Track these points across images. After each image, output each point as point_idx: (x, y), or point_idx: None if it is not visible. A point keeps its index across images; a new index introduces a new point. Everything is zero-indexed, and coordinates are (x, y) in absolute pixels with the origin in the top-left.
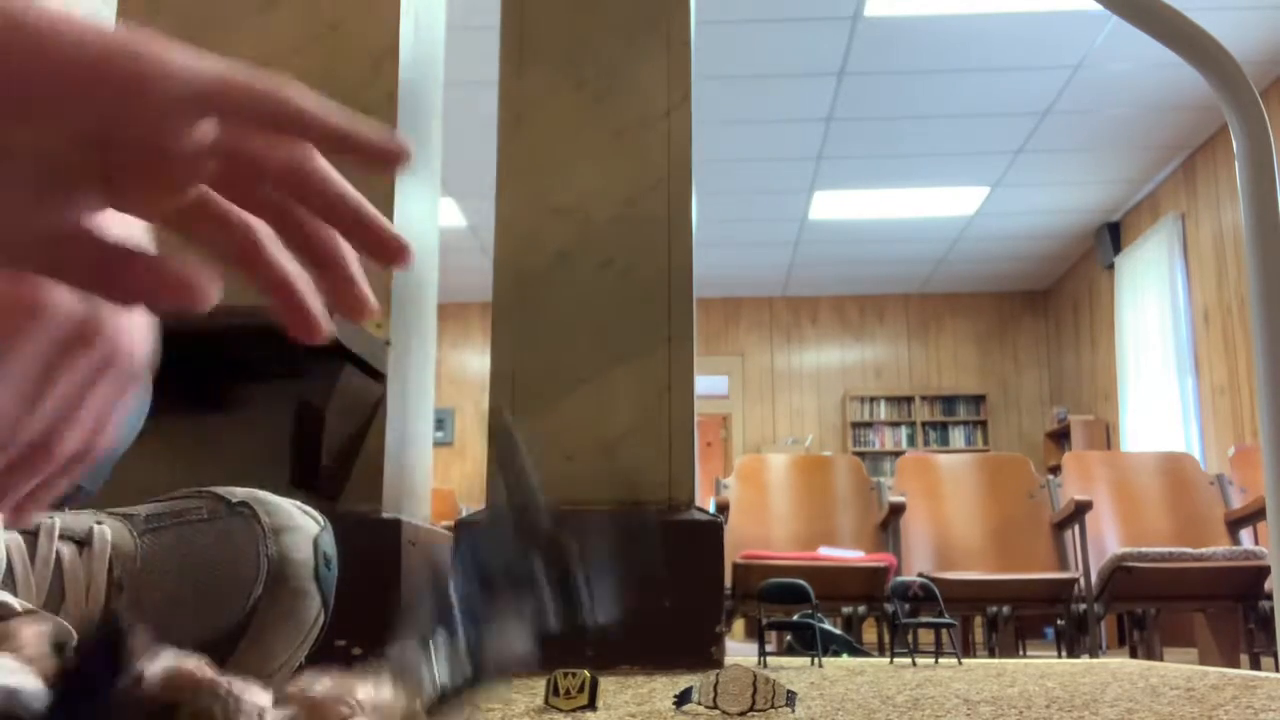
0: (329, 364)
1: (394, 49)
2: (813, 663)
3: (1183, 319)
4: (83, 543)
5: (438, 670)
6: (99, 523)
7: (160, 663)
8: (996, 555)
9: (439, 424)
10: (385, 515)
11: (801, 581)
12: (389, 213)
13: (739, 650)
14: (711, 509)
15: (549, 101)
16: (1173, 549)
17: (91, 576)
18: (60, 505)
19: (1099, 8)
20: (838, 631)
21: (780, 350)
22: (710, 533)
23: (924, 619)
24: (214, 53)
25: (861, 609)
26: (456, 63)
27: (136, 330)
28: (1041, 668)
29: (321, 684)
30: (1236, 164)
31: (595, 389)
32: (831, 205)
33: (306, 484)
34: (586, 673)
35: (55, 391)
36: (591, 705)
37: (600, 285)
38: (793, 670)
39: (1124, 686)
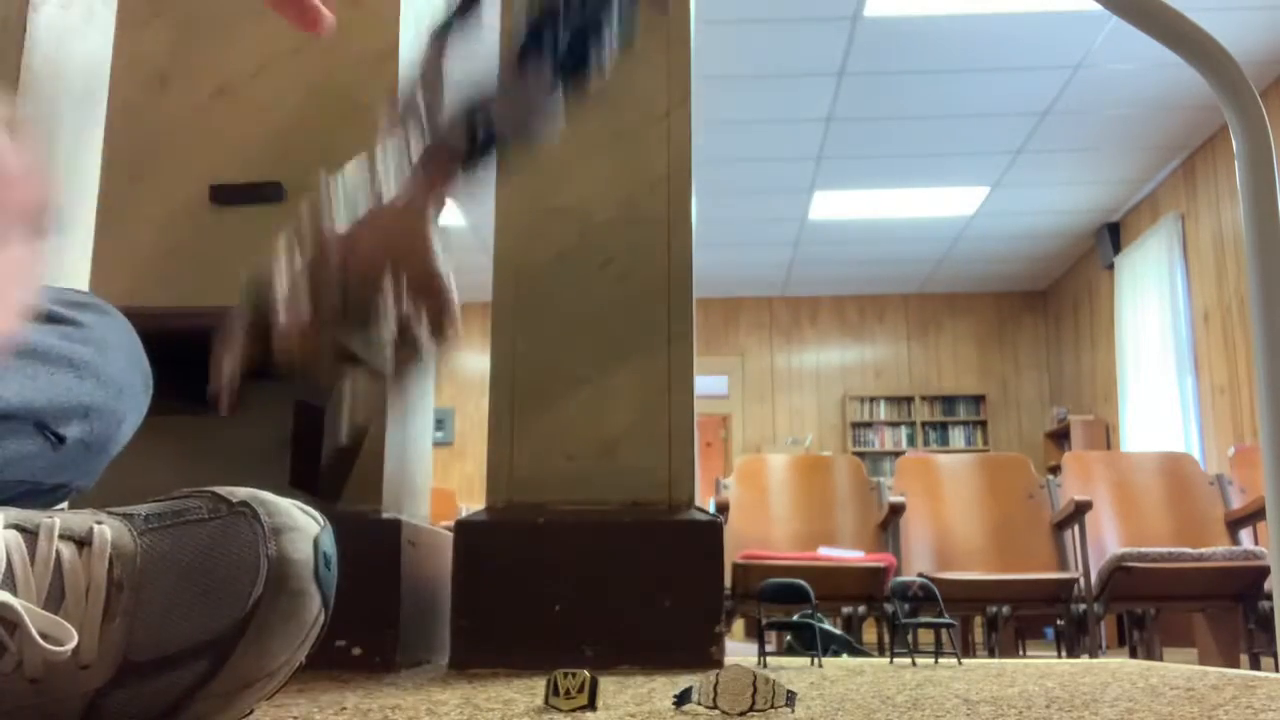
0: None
1: (394, 49)
2: (813, 663)
3: (1183, 319)
4: (83, 542)
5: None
6: (99, 522)
7: None
8: (996, 555)
9: (439, 424)
10: (385, 515)
11: (801, 581)
12: None
13: (739, 650)
14: (711, 509)
15: None
16: (1172, 549)
17: (91, 576)
18: (59, 500)
19: (1099, 8)
20: (838, 631)
21: (780, 350)
22: (710, 533)
23: (924, 619)
24: (214, 52)
25: (861, 609)
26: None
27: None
28: (1041, 668)
29: None
30: (1236, 164)
31: (595, 389)
32: (831, 205)
33: (306, 484)
34: (586, 673)
35: None
36: (591, 705)
37: (600, 285)
38: (793, 670)
39: (1124, 686)
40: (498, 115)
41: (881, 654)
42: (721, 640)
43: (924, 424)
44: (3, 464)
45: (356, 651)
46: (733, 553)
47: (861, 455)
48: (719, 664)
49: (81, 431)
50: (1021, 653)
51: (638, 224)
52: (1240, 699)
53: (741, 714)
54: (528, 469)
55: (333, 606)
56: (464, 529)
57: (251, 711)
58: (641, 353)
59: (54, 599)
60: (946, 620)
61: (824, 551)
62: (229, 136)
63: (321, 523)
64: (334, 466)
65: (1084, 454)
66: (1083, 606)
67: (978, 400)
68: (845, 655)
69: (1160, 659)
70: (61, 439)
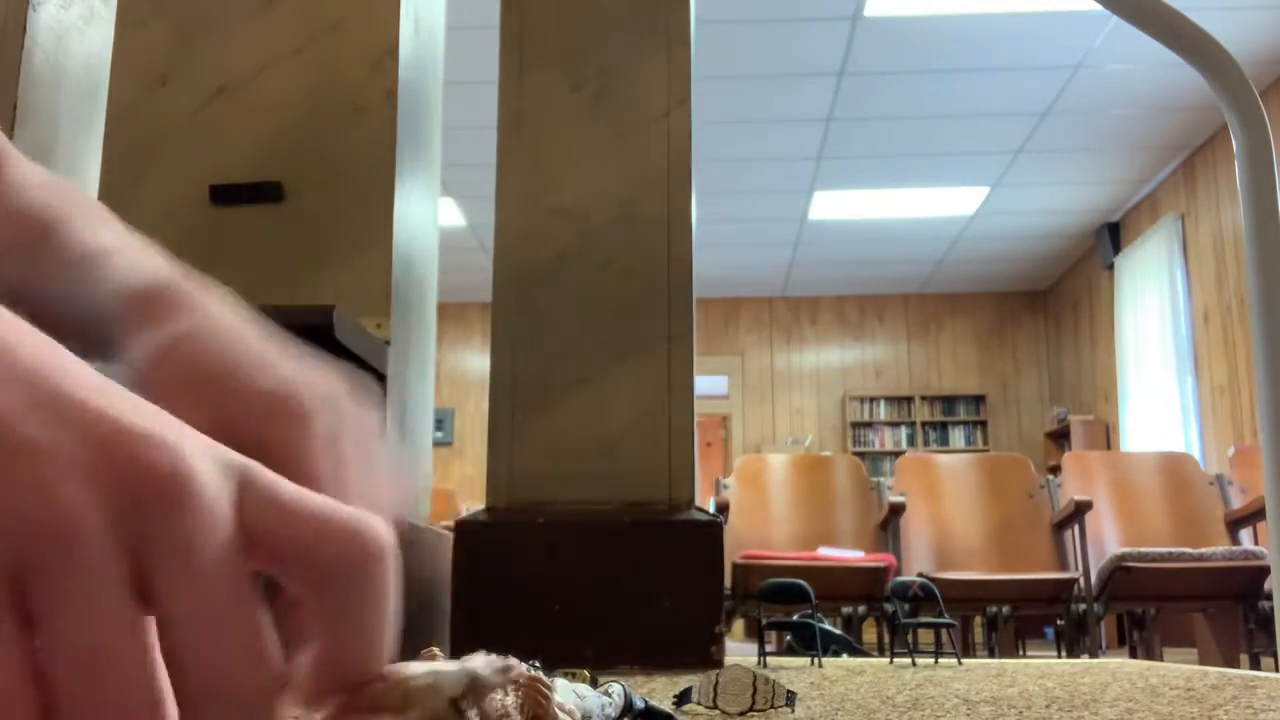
0: (328, 364)
1: (394, 49)
2: (812, 663)
3: (1183, 319)
4: None
5: None
6: None
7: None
8: (996, 555)
9: (439, 424)
10: None
11: (801, 581)
12: (389, 212)
13: (739, 650)
14: (711, 509)
15: (549, 101)
16: (1172, 549)
17: None
18: None
19: (1099, 8)
20: (838, 631)
21: (780, 350)
22: (710, 533)
23: (924, 619)
24: (214, 52)
25: (861, 609)
26: (456, 63)
27: None
28: (1041, 668)
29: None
30: (1236, 164)
31: (595, 389)
32: (831, 205)
33: None
34: (586, 673)
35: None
36: None
37: (600, 285)
38: (793, 670)
39: (1124, 686)
40: None
41: (881, 654)
42: (721, 640)
43: (924, 424)
44: None
45: None
46: (733, 553)
47: (861, 455)
48: (719, 664)
49: None
50: (1021, 653)
51: (638, 224)
52: (1240, 699)
53: (741, 714)
54: (528, 469)
55: None
56: (464, 529)
57: None
58: (641, 353)
59: None
60: (946, 620)
61: (824, 551)
62: (229, 136)
63: None
64: None
65: (1084, 454)
66: (1083, 606)
67: (978, 400)
68: (845, 655)
69: (1160, 659)
70: None
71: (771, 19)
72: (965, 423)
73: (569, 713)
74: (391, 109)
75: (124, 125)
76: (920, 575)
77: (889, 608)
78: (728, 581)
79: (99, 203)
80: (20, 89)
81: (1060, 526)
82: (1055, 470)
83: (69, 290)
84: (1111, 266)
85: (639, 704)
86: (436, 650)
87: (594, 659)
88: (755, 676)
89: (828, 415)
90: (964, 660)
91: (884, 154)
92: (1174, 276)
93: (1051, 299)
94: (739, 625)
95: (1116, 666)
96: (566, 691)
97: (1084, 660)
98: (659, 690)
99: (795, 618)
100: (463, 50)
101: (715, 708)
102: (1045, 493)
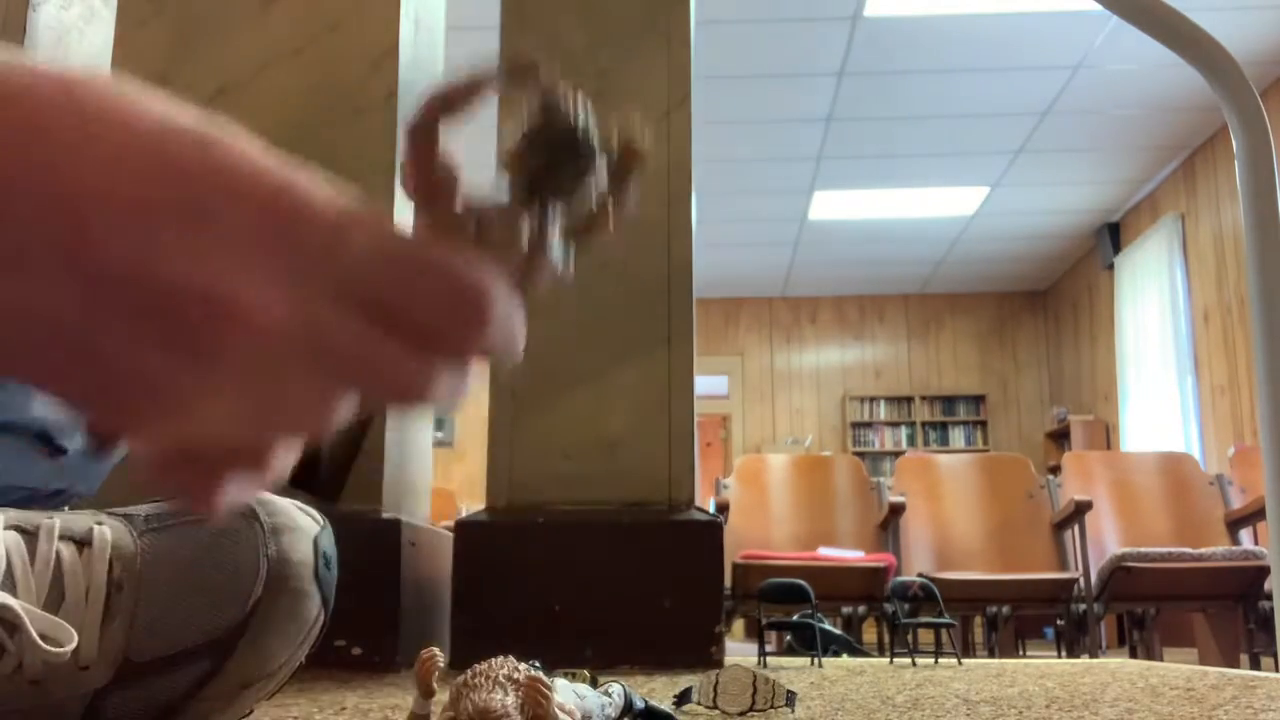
0: None
1: (394, 49)
2: (812, 663)
3: (1183, 319)
4: (82, 543)
5: None
6: (99, 523)
7: None
8: (996, 555)
9: (439, 424)
10: (385, 515)
11: (801, 581)
12: (389, 213)
13: (739, 650)
14: (711, 509)
15: None
16: (1172, 549)
17: (91, 577)
18: (59, 506)
19: (1099, 8)
20: (838, 631)
21: (780, 350)
22: (710, 533)
23: (924, 619)
24: (214, 52)
25: (861, 609)
26: (456, 63)
27: None
28: (1041, 668)
29: None
30: (1236, 164)
31: (595, 389)
32: (831, 205)
33: (306, 484)
34: (586, 673)
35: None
36: None
37: (600, 285)
38: (793, 670)
39: (1124, 686)
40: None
41: (881, 654)
42: (721, 640)
43: (924, 424)
44: (2, 472)
45: (356, 651)
46: (733, 553)
47: (861, 455)
48: (719, 664)
49: (83, 443)
50: (1021, 653)
51: (637, 224)
52: (1240, 699)
53: (741, 714)
54: (528, 469)
55: (333, 606)
56: (464, 529)
57: (251, 711)
58: (641, 353)
59: (54, 600)
60: (946, 620)
61: (824, 551)
62: None
63: (321, 523)
64: (334, 466)
65: (1084, 454)
66: (1083, 606)
67: (978, 400)
68: (845, 655)
69: (1160, 659)
70: (63, 450)
71: (771, 19)
72: (965, 423)
73: (569, 713)
74: (391, 109)
75: None
76: (920, 575)
77: (889, 608)
78: (728, 581)
79: None
80: None
81: (1060, 526)
82: (1055, 470)
83: None
84: (1111, 266)
85: (639, 704)
86: (436, 651)
87: (594, 659)
88: (755, 676)
89: (828, 415)
90: (964, 660)
91: (884, 154)
92: (1174, 276)
93: (1051, 299)
94: (739, 625)
95: (1116, 666)
96: (566, 691)
97: (1084, 660)
98: (659, 690)
99: (795, 618)
100: (463, 50)
101: (715, 708)
102: (1045, 493)
